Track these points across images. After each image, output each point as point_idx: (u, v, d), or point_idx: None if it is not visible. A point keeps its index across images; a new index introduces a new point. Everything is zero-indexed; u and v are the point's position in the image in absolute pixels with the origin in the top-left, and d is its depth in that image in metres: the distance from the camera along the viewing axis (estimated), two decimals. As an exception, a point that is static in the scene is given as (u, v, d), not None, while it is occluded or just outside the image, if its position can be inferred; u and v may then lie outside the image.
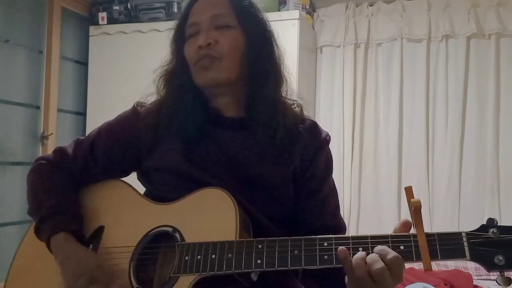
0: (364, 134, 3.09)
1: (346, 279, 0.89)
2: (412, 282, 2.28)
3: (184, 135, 1.07)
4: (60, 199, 1.08)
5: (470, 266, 2.47)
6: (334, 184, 1.16)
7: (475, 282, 2.36)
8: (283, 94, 1.11)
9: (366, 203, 3.03)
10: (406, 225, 0.89)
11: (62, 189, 1.10)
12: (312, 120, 1.14)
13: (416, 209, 0.84)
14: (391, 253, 0.83)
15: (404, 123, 3.02)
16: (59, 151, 1.16)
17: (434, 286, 2.26)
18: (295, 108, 1.13)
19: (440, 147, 2.94)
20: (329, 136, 1.14)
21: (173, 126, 1.08)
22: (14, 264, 1.14)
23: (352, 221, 3.00)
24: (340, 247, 0.86)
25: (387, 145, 3.01)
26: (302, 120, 1.11)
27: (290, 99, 1.13)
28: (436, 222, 2.86)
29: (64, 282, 1.00)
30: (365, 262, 0.83)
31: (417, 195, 2.99)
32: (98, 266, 1.00)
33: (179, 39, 1.11)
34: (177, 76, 1.10)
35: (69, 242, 1.03)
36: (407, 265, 0.87)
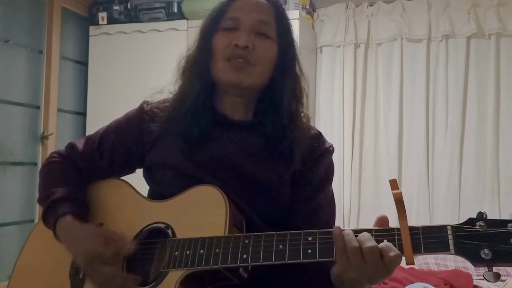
0: (364, 134, 3.09)
1: (331, 271, 0.89)
2: (412, 282, 2.28)
3: (187, 135, 1.08)
4: (69, 188, 1.10)
5: (470, 266, 2.47)
6: (333, 195, 1.16)
7: (475, 282, 2.36)
8: (300, 110, 1.12)
9: (366, 203, 3.03)
10: (381, 222, 0.88)
11: (72, 180, 1.13)
12: (317, 131, 1.15)
13: (398, 201, 0.83)
14: (371, 242, 0.82)
15: (404, 123, 3.02)
16: (70, 147, 1.19)
17: (434, 286, 2.26)
18: (303, 118, 1.14)
19: (440, 147, 2.95)
20: (333, 148, 1.15)
21: (178, 126, 1.09)
22: (19, 263, 1.16)
23: (352, 221, 3.00)
24: (335, 226, 0.86)
25: (387, 145, 3.02)
26: (308, 129, 1.12)
27: (303, 112, 1.14)
28: (436, 222, 2.84)
29: (76, 258, 1.02)
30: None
31: (417, 195, 3.02)
32: (108, 230, 1.02)
33: (210, 28, 1.11)
34: (198, 64, 1.10)
35: (75, 224, 1.05)
36: (407, 266, 0.84)
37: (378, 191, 3.02)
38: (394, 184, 0.85)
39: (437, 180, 2.93)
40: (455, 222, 2.88)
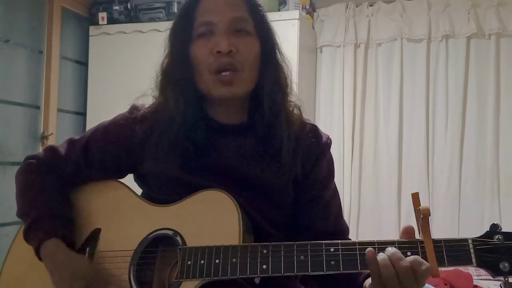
0: (364, 134, 3.09)
1: (366, 283, 0.89)
2: (412, 282, 2.27)
3: (188, 146, 1.03)
4: (49, 203, 1.04)
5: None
6: (336, 187, 1.15)
7: (475, 282, 2.36)
8: (288, 102, 1.09)
9: (366, 203, 3.03)
10: (408, 232, 0.88)
11: (52, 192, 1.07)
12: (312, 124, 1.12)
13: (424, 217, 0.85)
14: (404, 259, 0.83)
15: (404, 123, 3.01)
16: (51, 150, 1.12)
17: (434, 286, 2.26)
18: (294, 110, 1.10)
19: (440, 147, 2.94)
20: (330, 140, 1.13)
21: (172, 137, 1.03)
22: (4, 270, 1.10)
23: (352, 221, 3.00)
24: (368, 249, 0.84)
25: (387, 145, 3.01)
26: (303, 125, 1.10)
27: (290, 101, 1.11)
28: (436, 222, 2.86)
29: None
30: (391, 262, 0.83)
31: (417, 195, 2.88)
32: (93, 272, 0.97)
33: (182, 36, 1.04)
34: (180, 79, 1.04)
35: (60, 249, 0.99)
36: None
37: (378, 191, 3.02)
38: (416, 198, 0.87)
39: (437, 180, 2.93)
40: (455, 222, 2.88)
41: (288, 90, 1.08)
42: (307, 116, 1.16)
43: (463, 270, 2.45)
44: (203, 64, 1.01)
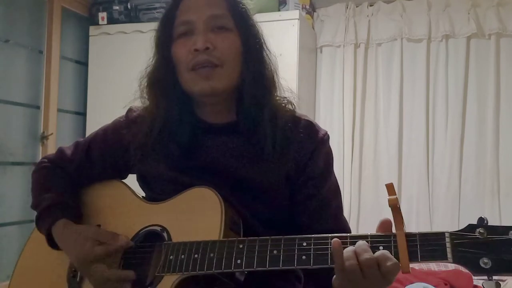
0: (364, 134, 3.09)
1: (332, 282, 0.87)
2: (412, 282, 2.28)
3: (172, 147, 1.05)
4: (59, 194, 1.10)
5: (470, 267, 2.46)
6: (337, 184, 1.12)
7: (475, 282, 2.36)
8: (275, 97, 1.08)
9: (366, 203, 3.03)
10: (384, 226, 0.84)
11: (61, 185, 1.13)
12: (307, 120, 1.10)
13: (393, 207, 0.80)
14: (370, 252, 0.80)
15: (404, 123, 3.01)
16: (59, 152, 1.19)
17: (434, 286, 2.26)
18: (286, 105, 1.09)
19: (440, 147, 2.94)
20: (328, 135, 1.10)
21: (161, 138, 1.06)
22: (20, 263, 1.17)
23: (352, 221, 3.00)
24: (335, 239, 0.82)
25: (387, 145, 3.01)
26: (297, 120, 1.08)
27: (280, 97, 1.09)
28: (436, 222, 2.86)
29: (73, 259, 1.02)
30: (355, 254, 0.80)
31: (417, 195, 3.01)
32: (98, 230, 1.03)
33: (164, 37, 1.06)
34: (162, 80, 1.05)
35: (68, 226, 1.05)
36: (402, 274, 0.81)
37: (378, 191, 3.01)
38: (390, 189, 0.82)
39: (437, 180, 2.93)
40: (455, 222, 2.87)
41: (275, 85, 1.08)
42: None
43: (463, 270, 2.45)
44: (183, 63, 1.02)
